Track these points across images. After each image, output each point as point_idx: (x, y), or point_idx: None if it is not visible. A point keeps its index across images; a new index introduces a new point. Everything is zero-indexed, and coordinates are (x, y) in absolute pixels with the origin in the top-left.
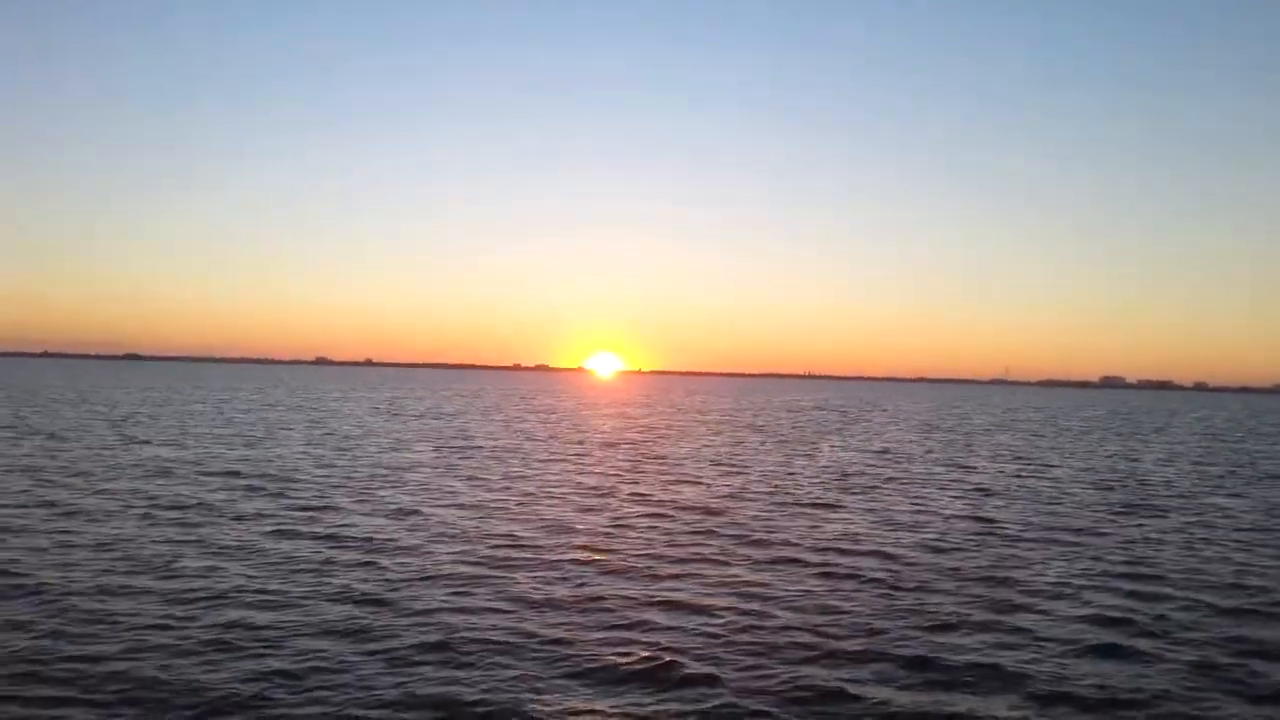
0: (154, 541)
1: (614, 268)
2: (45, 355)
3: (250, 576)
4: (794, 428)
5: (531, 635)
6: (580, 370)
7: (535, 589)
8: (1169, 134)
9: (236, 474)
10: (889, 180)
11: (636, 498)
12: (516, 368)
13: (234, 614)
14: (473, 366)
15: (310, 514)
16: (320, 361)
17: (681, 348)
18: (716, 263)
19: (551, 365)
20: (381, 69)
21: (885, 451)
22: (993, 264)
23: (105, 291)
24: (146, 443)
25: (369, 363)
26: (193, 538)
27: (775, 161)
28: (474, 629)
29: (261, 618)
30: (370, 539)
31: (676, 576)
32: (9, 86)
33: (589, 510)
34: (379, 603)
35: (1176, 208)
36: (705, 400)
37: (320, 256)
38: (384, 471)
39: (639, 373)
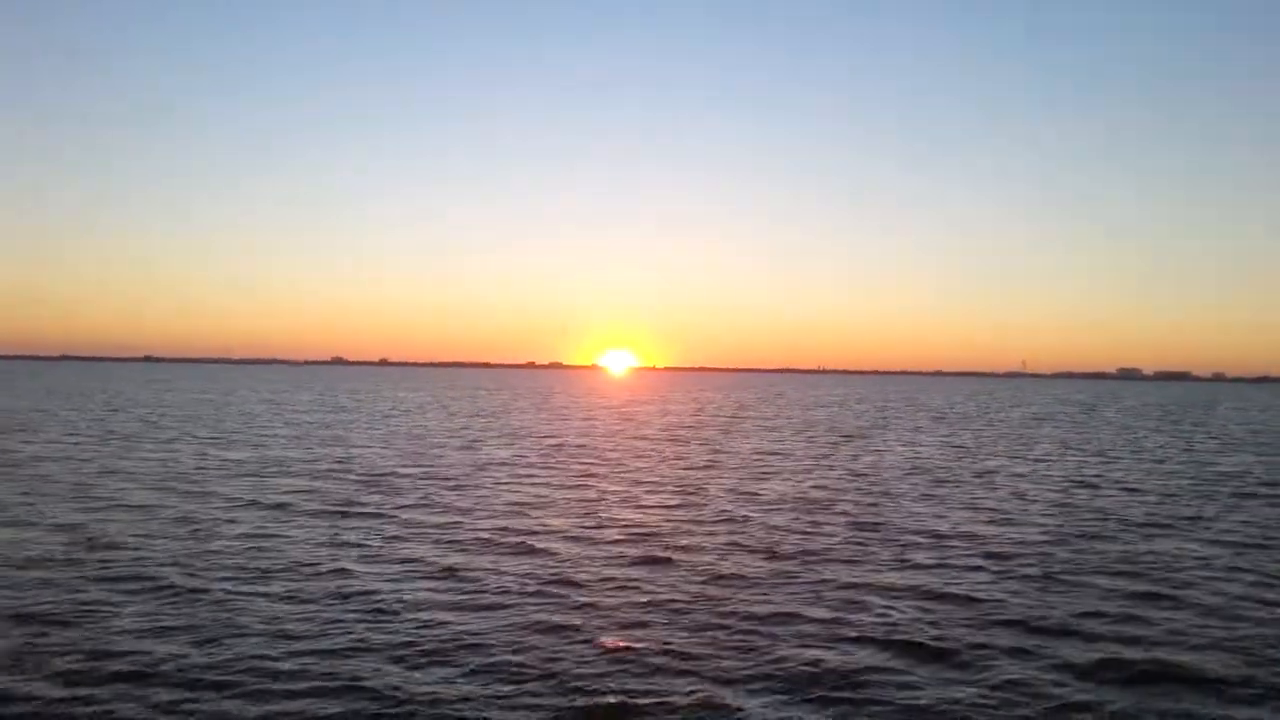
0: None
1: (626, 265)
2: (63, 358)
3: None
4: (851, 421)
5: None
6: (594, 368)
7: (737, 577)
8: (1186, 124)
9: (376, 474)
10: (903, 175)
11: (747, 494)
12: (531, 365)
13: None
14: (487, 365)
15: (456, 513)
16: (337, 361)
17: (694, 344)
18: (729, 259)
19: (566, 363)
20: (395, 66)
21: (962, 447)
22: (1008, 257)
23: (122, 294)
24: (257, 445)
25: (384, 362)
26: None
27: (789, 156)
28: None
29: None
30: (535, 534)
31: (852, 562)
32: (21, 86)
33: (701, 504)
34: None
35: (1193, 198)
36: (736, 396)
37: (335, 257)
38: (493, 468)
39: (653, 369)
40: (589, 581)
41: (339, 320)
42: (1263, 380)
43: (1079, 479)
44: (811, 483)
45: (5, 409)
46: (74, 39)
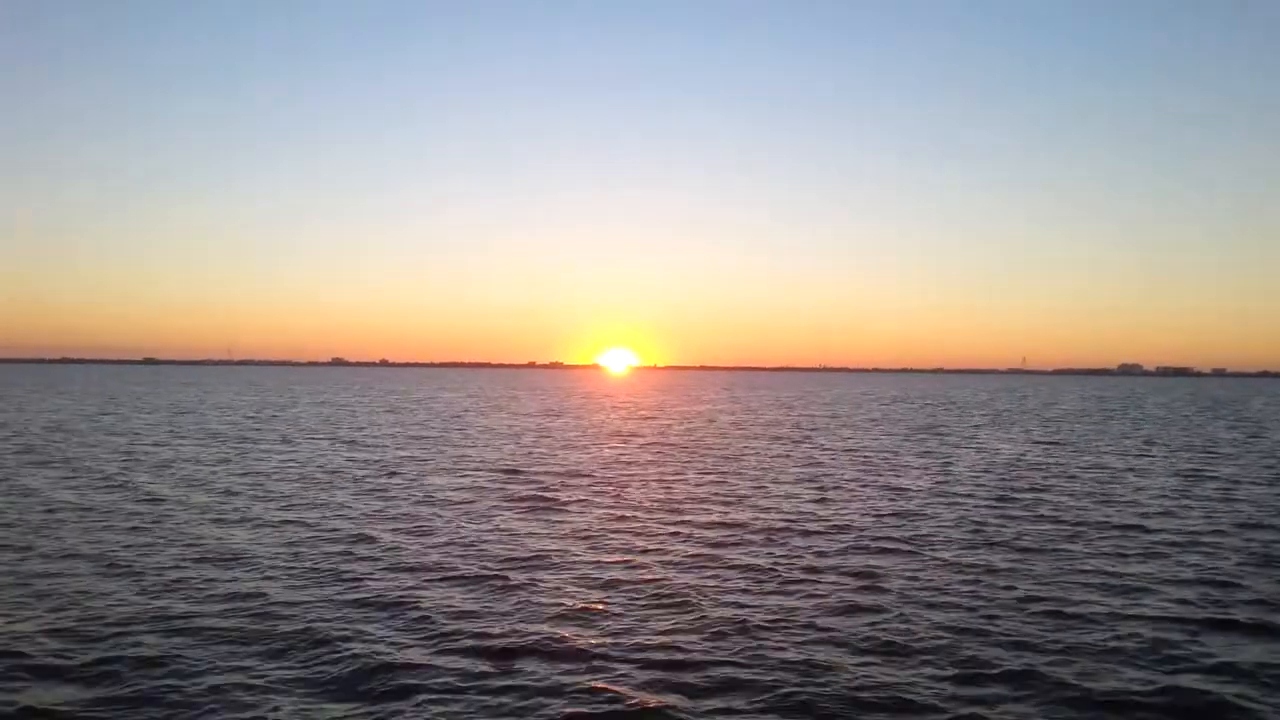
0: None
1: (625, 263)
2: (62, 361)
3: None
4: (903, 419)
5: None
6: (594, 367)
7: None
8: (1184, 120)
9: (506, 470)
10: (902, 172)
11: (887, 489)
12: (531, 365)
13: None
14: (487, 365)
15: (622, 512)
16: (336, 363)
17: (693, 343)
18: (728, 257)
19: (566, 362)
20: (392, 66)
21: (1068, 444)
22: (1009, 253)
23: (120, 295)
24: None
25: (384, 363)
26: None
27: (789, 154)
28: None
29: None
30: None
31: (1032, 551)
32: (17, 88)
33: (841, 500)
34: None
35: (1192, 193)
36: (759, 395)
37: (334, 257)
38: (641, 465)
39: (653, 368)
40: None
41: (338, 321)
42: (1263, 376)
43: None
44: (926, 479)
45: (81, 414)
46: (69, 40)
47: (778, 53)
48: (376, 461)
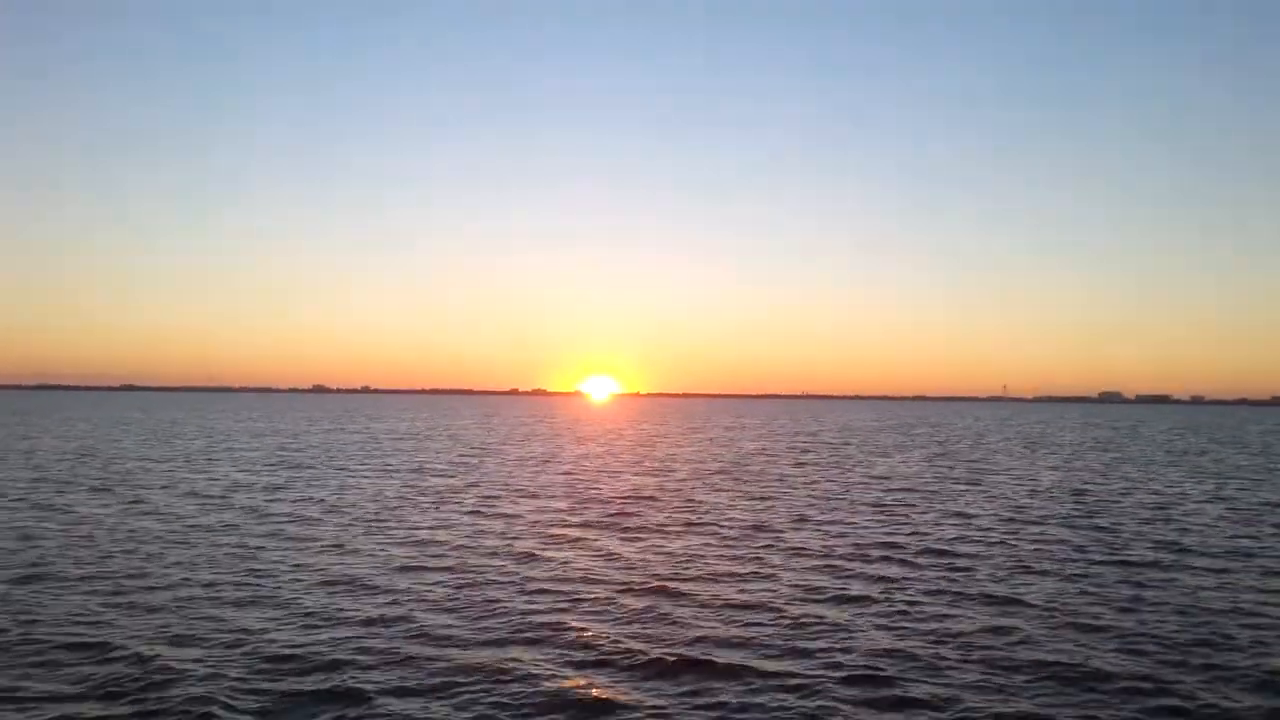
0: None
1: (606, 290)
2: (40, 388)
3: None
4: (966, 448)
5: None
6: (576, 394)
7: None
8: (1166, 147)
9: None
10: (884, 200)
11: (956, 514)
12: (514, 392)
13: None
14: (469, 392)
15: (744, 532)
16: (318, 389)
17: (675, 370)
18: (709, 285)
19: (549, 389)
20: (371, 94)
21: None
22: (989, 281)
23: (99, 322)
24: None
25: (366, 390)
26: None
27: (772, 183)
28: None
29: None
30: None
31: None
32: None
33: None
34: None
35: (1173, 221)
36: (760, 423)
37: (315, 284)
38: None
39: (636, 396)
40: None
41: (320, 347)
42: (1240, 404)
43: None
44: (990, 505)
45: (111, 439)
46: (44, 70)
47: (759, 80)
48: (450, 488)
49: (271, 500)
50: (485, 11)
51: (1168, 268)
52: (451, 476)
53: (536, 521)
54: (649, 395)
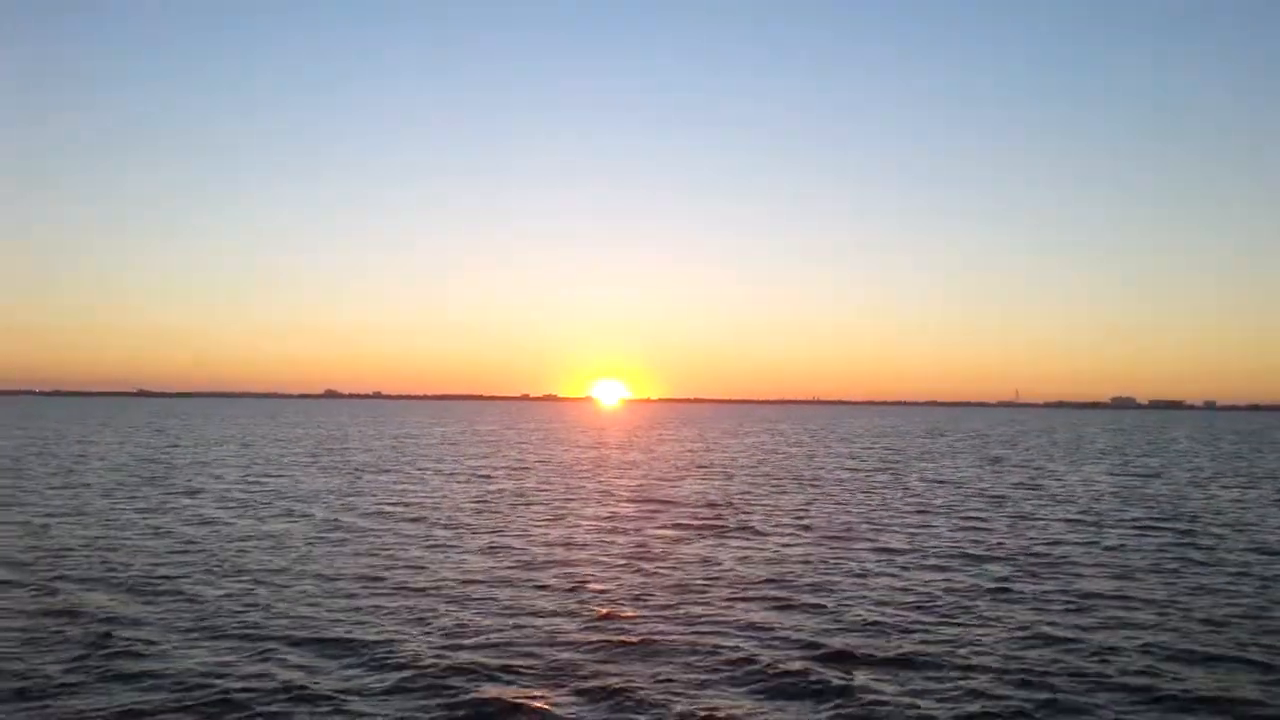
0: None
1: (615, 294)
2: (54, 394)
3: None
4: (968, 451)
5: None
6: (586, 399)
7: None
8: (1178, 152)
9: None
10: (895, 204)
11: (1021, 516)
12: (525, 398)
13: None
14: (480, 397)
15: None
16: (329, 395)
17: (685, 375)
18: (720, 289)
19: (560, 395)
20: (381, 95)
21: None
22: (1000, 286)
23: (112, 328)
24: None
25: (377, 395)
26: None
27: (780, 185)
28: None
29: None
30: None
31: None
32: (11, 106)
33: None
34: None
35: (1186, 226)
36: (787, 427)
37: (325, 290)
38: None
39: (646, 401)
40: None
41: (331, 353)
42: (1254, 409)
43: None
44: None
45: (160, 446)
46: (68, 71)
47: (770, 83)
48: (520, 492)
49: (401, 504)
50: (495, 14)
51: (1180, 273)
52: (521, 480)
53: (648, 525)
54: (659, 400)
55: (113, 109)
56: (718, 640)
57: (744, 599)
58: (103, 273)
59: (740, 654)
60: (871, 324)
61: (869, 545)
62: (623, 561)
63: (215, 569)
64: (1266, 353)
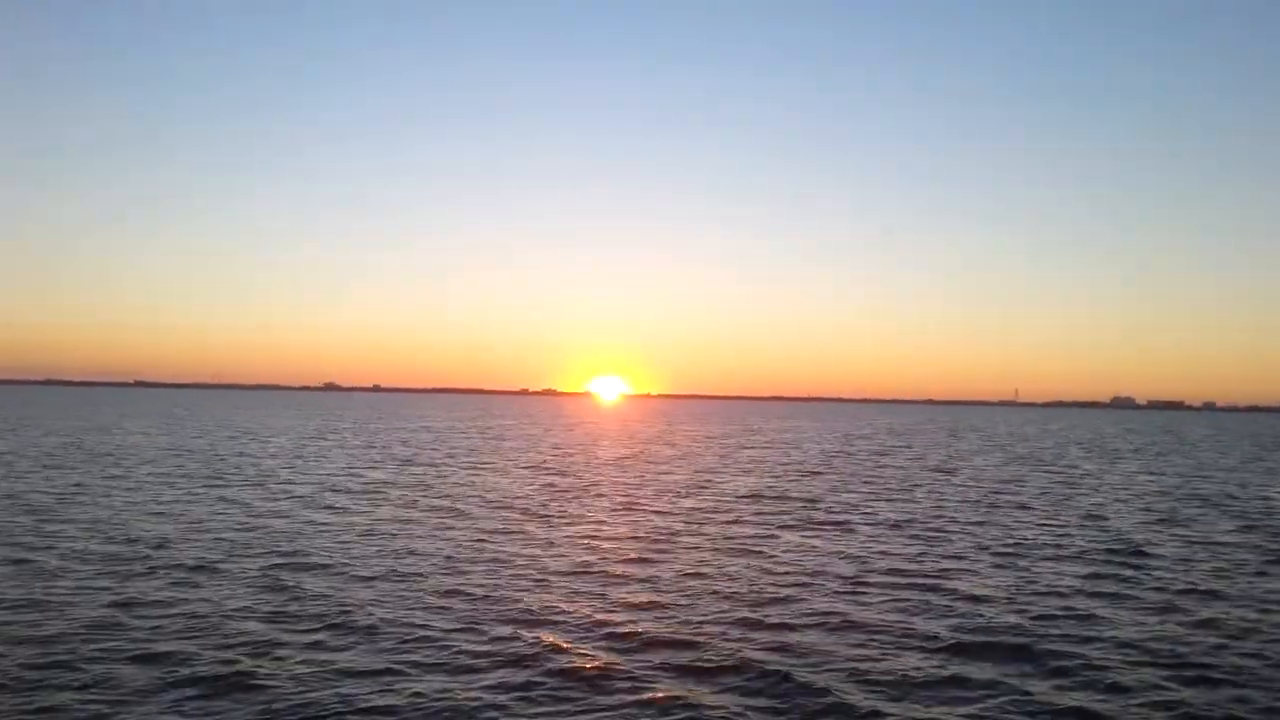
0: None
1: (620, 290)
2: (48, 383)
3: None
4: (1007, 449)
5: None
6: (585, 394)
7: None
8: (1179, 152)
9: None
10: (895, 202)
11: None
12: (525, 392)
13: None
14: (480, 391)
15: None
16: (329, 388)
17: (683, 371)
18: (718, 286)
19: (559, 390)
20: (383, 90)
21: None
22: (1000, 285)
23: (110, 318)
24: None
25: (377, 388)
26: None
27: (780, 184)
28: None
29: None
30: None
31: None
32: (13, 100)
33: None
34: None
35: (1186, 226)
36: (804, 424)
37: (326, 282)
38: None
39: (646, 396)
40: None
41: (330, 346)
42: (1253, 410)
43: None
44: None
45: (193, 437)
46: (65, 65)
47: (769, 80)
48: (587, 486)
49: (476, 495)
50: (496, 13)
51: (1180, 273)
52: (581, 475)
53: (737, 517)
54: (659, 396)
55: (113, 102)
56: (872, 630)
57: (875, 589)
58: (101, 264)
59: (898, 642)
60: (871, 322)
61: (970, 542)
62: (737, 553)
63: (394, 553)
64: (1266, 354)
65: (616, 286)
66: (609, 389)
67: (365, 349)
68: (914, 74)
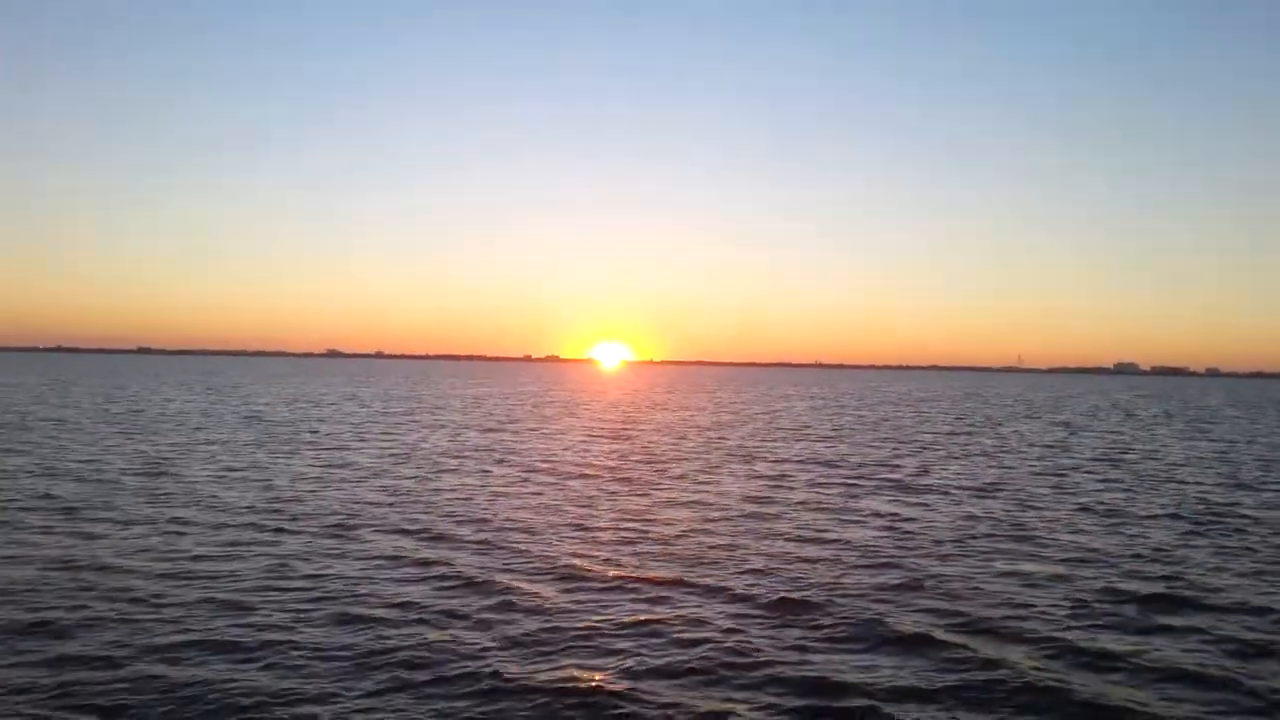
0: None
1: (621, 257)
2: (57, 349)
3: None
4: (1044, 416)
5: None
6: (588, 361)
7: None
8: (1182, 121)
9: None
10: (899, 170)
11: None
12: (527, 359)
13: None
14: (483, 358)
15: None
16: (331, 354)
17: (688, 338)
18: (722, 252)
19: (562, 356)
20: (389, 61)
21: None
22: (1004, 252)
23: (115, 285)
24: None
25: (379, 355)
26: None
27: (785, 151)
28: None
29: None
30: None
31: None
32: (14, 79)
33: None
34: None
35: (1187, 193)
36: (824, 391)
37: (329, 249)
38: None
39: (649, 363)
40: None
41: (333, 312)
42: (1256, 376)
43: None
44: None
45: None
46: (69, 33)
47: (777, 50)
48: (655, 453)
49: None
50: None
51: (1182, 239)
52: (657, 446)
53: (818, 482)
54: (662, 363)
55: (119, 71)
56: (1030, 584)
57: (999, 553)
58: (105, 232)
59: (1055, 602)
60: (875, 289)
61: (1074, 504)
62: (851, 517)
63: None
64: (1268, 320)
65: (618, 252)
66: (612, 355)
67: (367, 315)
68: (917, 42)
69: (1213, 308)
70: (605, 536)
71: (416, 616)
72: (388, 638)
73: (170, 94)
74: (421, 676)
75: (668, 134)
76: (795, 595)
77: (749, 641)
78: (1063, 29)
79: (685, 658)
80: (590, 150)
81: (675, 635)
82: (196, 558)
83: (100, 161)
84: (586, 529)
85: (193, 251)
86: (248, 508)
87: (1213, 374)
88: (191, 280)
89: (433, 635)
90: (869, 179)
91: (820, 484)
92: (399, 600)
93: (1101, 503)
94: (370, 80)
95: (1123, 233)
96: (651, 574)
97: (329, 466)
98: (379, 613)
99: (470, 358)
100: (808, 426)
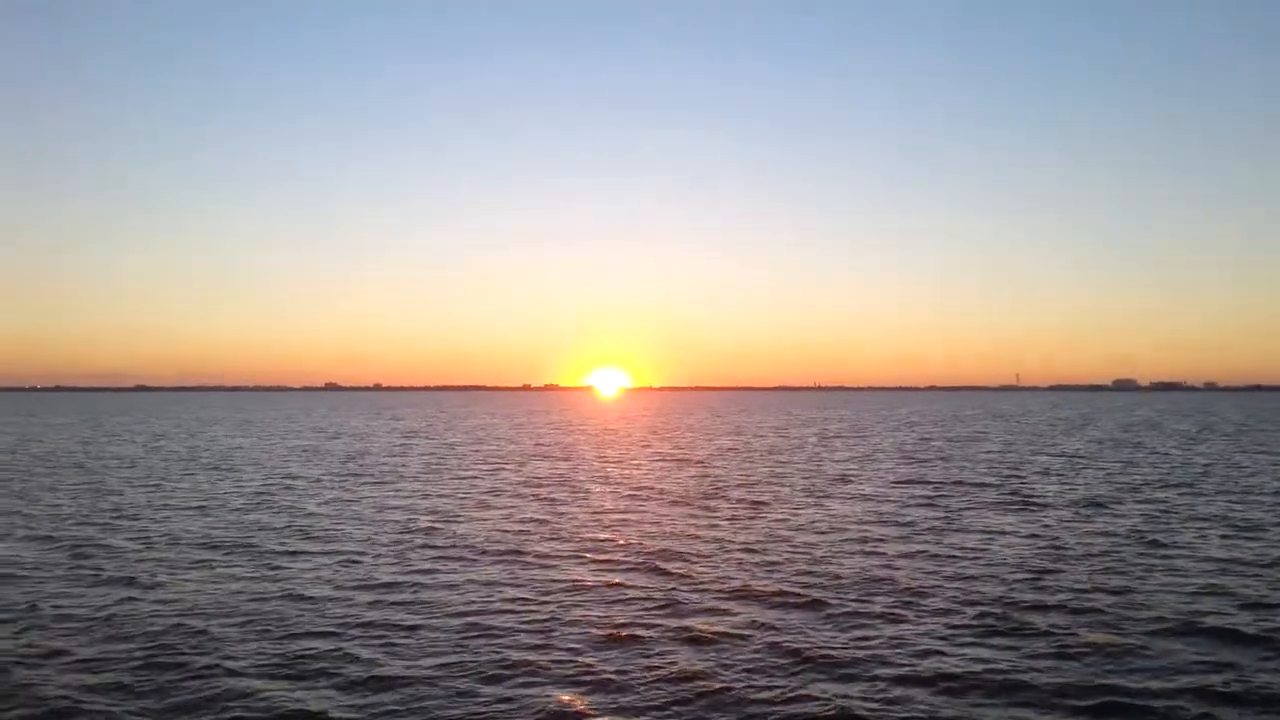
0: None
1: (616, 283)
2: (56, 389)
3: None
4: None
5: None
6: (586, 389)
7: None
8: (1179, 135)
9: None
10: (895, 190)
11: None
12: (526, 388)
13: None
14: (482, 388)
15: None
16: (330, 388)
17: (686, 363)
18: (719, 276)
19: (560, 385)
20: (382, 90)
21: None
22: (1001, 270)
23: (111, 323)
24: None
25: (378, 387)
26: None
27: (780, 173)
28: None
29: None
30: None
31: None
32: (12, 104)
33: None
34: None
35: (1185, 208)
36: (838, 414)
37: (326, 283)
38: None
39: (648, 389)
40: None
41: (330, 346)
42: (1255, 389)
43: None
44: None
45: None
46: (52, 62)
47: (770, 71)
48: (719, 478)
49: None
50: (495, 11)
51: (1180, 255)
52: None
53: (912, 502)
54: (660, 389)
55: (112, 106)
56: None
57: (1114, 566)
58: (101, 268)
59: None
60: (873, 310)
61: (1180, 518)
62: (988, 533)
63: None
64: (1265, 334)
65: (613, 279)
66: (610, 382)
67: (365, 349)
68: (911, 60)
69: (1210, 323)
70: (774, 557)
71: (669, 636)
72: (651, 657)
73: (158, 125)
74: (688, 695)
75: (665, 157)
76: (997, 610)
77: (979, 655)
78: (1059, 48)
79: (921, 670)
80: (588, 176)
81: (907, 651)
82: (416, 587)
83: (89, 191)
84: (754, 552)
85: (188, 287)
86: (421, 536)
87: (1211, 388)
88: (188, 317)
89: (687, 658)
90: (864, 200)
91: (933, 502)
92: (644, 623)
93: (1202, 518)
94: (362, 113)
95: (1122, 249)
96: (851, 596)
97: (447, 496)
98: (631, 632)
99: (469, 388)
100: (859, 448)
